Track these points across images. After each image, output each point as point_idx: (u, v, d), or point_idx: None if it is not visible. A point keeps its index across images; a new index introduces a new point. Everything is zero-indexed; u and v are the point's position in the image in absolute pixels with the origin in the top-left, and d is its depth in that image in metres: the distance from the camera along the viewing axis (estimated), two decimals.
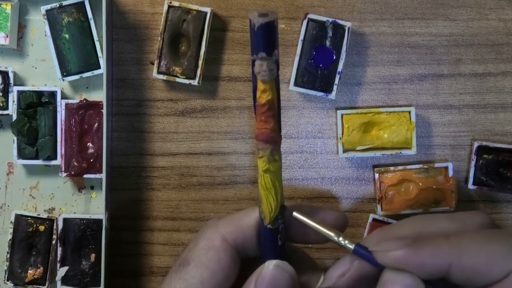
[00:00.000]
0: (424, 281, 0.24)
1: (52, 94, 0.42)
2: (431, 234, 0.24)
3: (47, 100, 0.42)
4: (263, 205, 0.26)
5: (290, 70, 0.42)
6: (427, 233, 0.25)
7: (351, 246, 0.26)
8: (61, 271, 0.42)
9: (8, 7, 0.41)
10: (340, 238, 0.26)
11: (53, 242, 0.42)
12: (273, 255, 0.27)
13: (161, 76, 0.41)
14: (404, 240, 0.24)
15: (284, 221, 0.27)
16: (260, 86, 0.23)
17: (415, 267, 0.24)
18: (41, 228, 0.42)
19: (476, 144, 0.41)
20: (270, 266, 0.26)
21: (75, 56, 0.41)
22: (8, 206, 0.43)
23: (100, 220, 0.41)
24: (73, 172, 0.41)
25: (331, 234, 0.26)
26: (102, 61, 0.41)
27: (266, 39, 0.22)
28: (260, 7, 0.42)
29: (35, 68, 0.43)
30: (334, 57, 0.41)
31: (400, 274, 0.24)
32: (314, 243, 0.30)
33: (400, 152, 0.41)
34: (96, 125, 0.42)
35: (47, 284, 0.42)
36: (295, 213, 0.27)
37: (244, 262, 0.29)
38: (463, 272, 0.23)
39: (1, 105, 0.42)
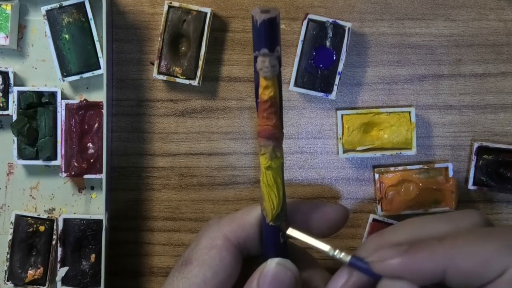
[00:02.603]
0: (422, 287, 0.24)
1: (52, 95, 0.42)
2: (426, 237, 0.24)
3: (47, 100, 0.42)
4: (265, 202, 0.26)
5: (290, 71, 0.42)
6: (422, 237, 0.25)
7: (347, 259, 0.25)
8: (61, 272, 0.42)
9: (8, 8, 0.41)
10: (336, 252, 0.26)
11: (53, 242, 0.42)
12: (275, 253, 0.27)
13: (161, 77, 0.41)
14: (399, 247, 0.24)
15: (286, 218, 0.27)
16: (263, 82, 0.23)
17: (412, 274, 0.24)
18: (41, 228, 0.42)
19: (476, 145, 0.41)
20: (273, 264, 0.26)
21: (75, 56, 0.41)
22: (8, 206, 0.43)
23: (100, 221, 0.41)
24: (73, 173, 0.41)
25: (326, 249, 0.26)
26: (102, 62, 0.41)
27: (268, 35, 0.22)
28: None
29: (35, 68, 0.43)
30: (334, 58, 0.41)
31: (396, 283, 0.24)
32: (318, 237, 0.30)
33: (400, 153, 0.41)
34: (96, 125, 0.42)
35: (47, 285, 0.42)
36: (289, 231, 0.27)
37: (246, 260, 0.29)
38: (459, 274, 0.23)
39: (1, 105, 0.42)
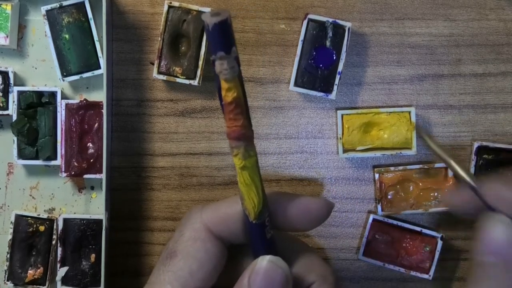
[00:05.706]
0: None
1: (52, 94, 0.42)
2: None
3: (47, 100, 0.42)
4: (246, 202, 0.26)
5: (290, 70, 0.42)
6: None
7: (473, 184, 0.28)
8: (61, 271, 0.42)
9: (8, 7, 0.41)
10: (465, 173, 0.29)
11: (53, 242, 0.42)
12: (263, 250, 0.27)
13: (161, 76, 0.41)
14: None
15: (269, 213, 0.27)
16: (224, 85, 0.23)
17: None
18: (41, 228, 0.42)
19: (476, 145, 0.41)
20: (264, 262, 0.26)
21: (75, 56, 0.41)
22: (8, 206, 0.43)
23: (100, 220, 0.41)
24: (73, 172, 0.41)
25: (460, 171, 0.29)
26: (102, 61, 0.41)
27: (222, 38, 0.22)
28: (260, 8, 0.42)
29: (35, 68, 0.43)
30: (334, 57, 0.41)
31: (499, 215, 0.27)
32: (300, 230, 0.29)
33: (400, 152, 0.41)
34: (96, 125, 0.42)
35: (47, 284, 0.42)
36: (423, 135, 0.32)
37: (231, 249, 0.29)
38: None
39: (1, 105, 0.42)
